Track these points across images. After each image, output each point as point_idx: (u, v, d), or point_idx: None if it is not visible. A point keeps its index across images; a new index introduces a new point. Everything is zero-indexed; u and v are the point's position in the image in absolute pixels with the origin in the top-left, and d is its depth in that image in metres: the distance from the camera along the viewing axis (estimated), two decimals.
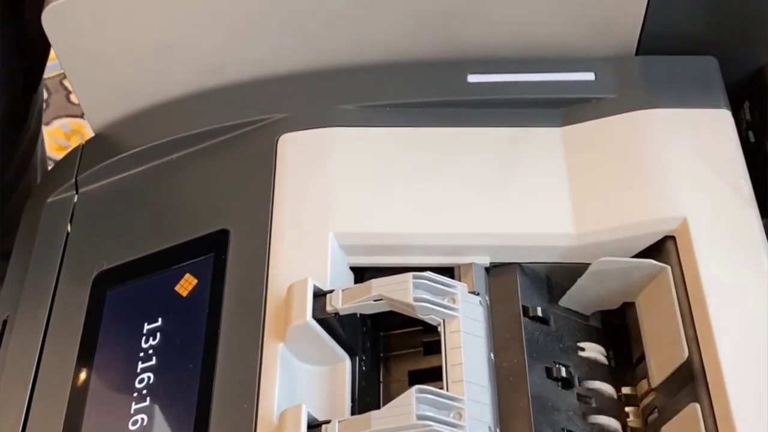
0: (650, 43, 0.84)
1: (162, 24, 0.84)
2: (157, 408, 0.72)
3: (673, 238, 0.74)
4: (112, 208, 0.86)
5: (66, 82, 2.05)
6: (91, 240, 0.84)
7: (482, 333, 0.70)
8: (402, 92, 0.83)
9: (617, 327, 0.77)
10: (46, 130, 2.02)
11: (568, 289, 0.76)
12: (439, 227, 0.76)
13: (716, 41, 0.84)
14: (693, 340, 0.69)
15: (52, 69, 2.16)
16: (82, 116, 2.07)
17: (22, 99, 1.00)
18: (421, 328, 0.76)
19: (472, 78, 0.83)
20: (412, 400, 0.63)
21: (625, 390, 0.74)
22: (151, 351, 0.75)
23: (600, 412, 0.72)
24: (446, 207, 0.77)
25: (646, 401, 0.72)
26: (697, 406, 0.66)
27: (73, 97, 2.02)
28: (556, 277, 0.77)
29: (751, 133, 0.85)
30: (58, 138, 2.06)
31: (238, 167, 0.83)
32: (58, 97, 2.10)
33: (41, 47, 0.96)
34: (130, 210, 0.85)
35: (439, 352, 0.69)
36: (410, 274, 0.69)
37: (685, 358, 0.69)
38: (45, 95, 2.08)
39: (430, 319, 0.69)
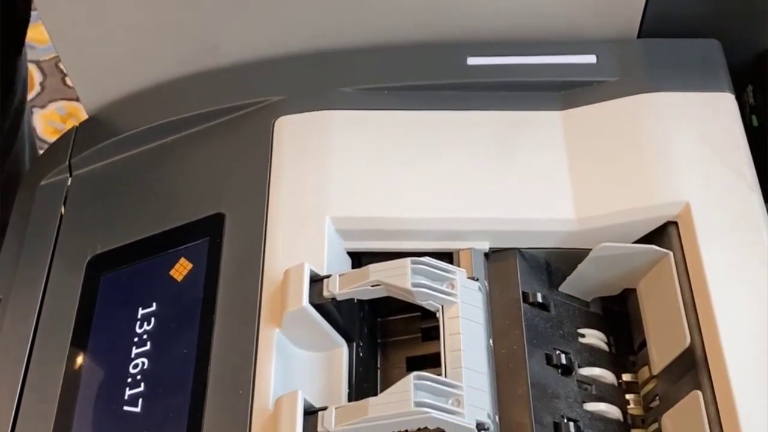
0: (652, 25, 0.83)
1: (155, 2, 0.82)
2: (151, 393, 0.71)
3: (675, 223, 0.73)
4: (107, 191, 0.85)
5: (62, 65, 2.03)
6: (85, 223, 0.83)
7: (481, 319, 0.69)
8: (400, 75, 0.82)
9: (618, 313, 0.77)
10: (41, 113, 2.01)
11: (568, 275, 0.75)
12: (437, 212, 0.75)
13: (719, 24, 0.83)
14: (695, 326, 0.68)
15: (47, 52, 2.14)
16: (77, 99, 2.05)
17: (6, 62, 0.98)
18: (419, 314, 0.76)
19: (472, 60, 0.82)
20: (410, 386, 0.62)
21: (626, 377, 0.73)
22: (145, 336, 0.74)
23: (600, 399, 0.71)
24: (445, 191, 0.75)
25: (647, 388, 0.72)
26: (699, 393, 0.65)
27: (69, 80, 2.01)
28: (556, 263, 0.76)
29: (754, 117, 0.84)
30: (53, 121, 2.04)
31: (233, 150, 0.81)
32: (53, 80, 2.08)
33: (23, 7, 0.94)
34: (124, 193, 0.84)
35: (438, 338, 0.68)
36: (408, 259, 0.68)
37: (687, 345, 0.68)
38: (40, 78, 2.07)
39: (429, 304, 0.68)
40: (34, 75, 2.07)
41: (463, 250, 0.73)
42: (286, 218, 0.75)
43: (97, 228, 0.82)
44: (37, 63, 2.04)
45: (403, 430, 0.63)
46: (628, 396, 0.72)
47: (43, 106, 2.02)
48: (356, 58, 0.84)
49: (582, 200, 0.74)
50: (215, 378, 0.70)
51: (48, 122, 2.02)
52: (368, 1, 0.83)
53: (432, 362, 0.73)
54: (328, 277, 0.70)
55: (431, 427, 0.63)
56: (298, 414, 0.64)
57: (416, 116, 0.80)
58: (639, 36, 0.83)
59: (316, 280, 0.70)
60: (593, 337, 0.74)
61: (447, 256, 0.73)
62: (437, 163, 0.77)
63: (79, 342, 0.76)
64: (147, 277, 0.77)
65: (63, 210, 0.84)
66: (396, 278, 0.67)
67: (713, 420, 0.64)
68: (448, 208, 0.75)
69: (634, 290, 0.75)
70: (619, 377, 0.73)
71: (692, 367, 0.67)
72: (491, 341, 0.70)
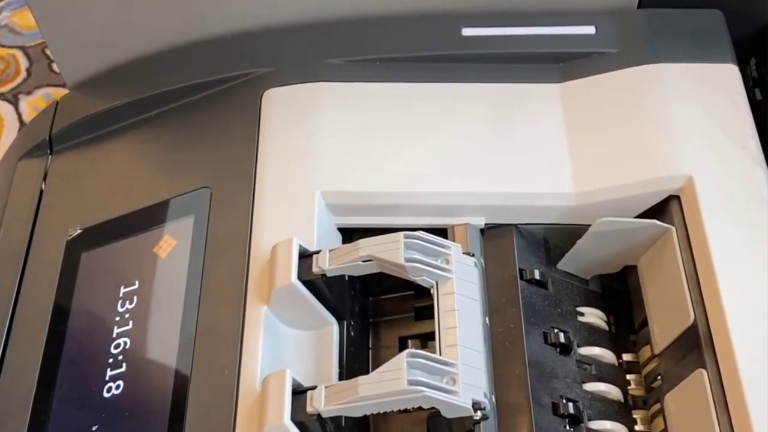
0: None
1: None
2: (133, 374, 0.68)
3: (677, 197, 0.70)
4: (88, 167, 0.82)
5: (48, 51, 2.00)
6: (65, 200, 0.80)
7: (477, 296, 0.66)
8: (393, 46, 0.80)
9: (618, 292, 0.74)
10: (27, 100, 1.97)
11: (566, 252, 0.72)
12: (431, 186, 0.72)
13: None
14: (699, 303, 0.66)
15: (34, 38, 2.11)
16: (64, 86, 2.03)
17: None
18: (412, 292, 0.73)
19: (467, 31, 0.79)
20: (403, 364, 0.60)
21: (627, 357, 0.71)
22: (127, 315, 0.71)
23: (600, 379, 0.68)
24: (439, 165, 0.73)
25: (648, 368, 0.69)
26: (704, 372, 0.63)
27: (56, 66, 1.97)
28: (555, 240, 0.73)
29: (758, 91, 0.81)
30: (40, 107, 2.01)
31: (220, 124, 0.78)
32: (40, 66, 2.04)
33: None
34: (106, 169, 0.81)
35: (431, 317, 0.66)
36: (401, 234, 0.65)
37: (690, 323, 0.65)
38: (27, 64, 2.04)
39: (422, 280, 0.65)
40: (21, 61, 2.04)
41: (458, 225, 0.71)
42: (274, 193, 0.72)
43: (78, 205, 0.79)
44: (24, 49, 2.01)
45: (395, 410, 0.60)
46: (628, 376, 0.70)
47: (29, 93, 1.99)
48: (347, 29, 0.81)
49: (581, 174, 0.72)
50: (200, 357, 0.67)
51: (34, 108, 1.98)
52: None
53: (425, 342, 0.71)
54: (317, 252, 0.67)
55: (425, 406, 0.60)
56: (287, 393, 0.61)
57: (409, 88, 0.77)
58: (639, 6, 0.80)
59: (305, 256, 0.67)
60: (593, 315, 0.71)
61: (441, 233, 0.70)
62: (431, 137, 0.74)
63: (58, 322, 0.73)
64: (129, 254, 0.75)
65: (43, 186, 0.81)
66: (388, 253, 0.65)
67: (718, 399, 0.61)
68: (443, 182, 0.72)
69: (634, 267, 0.72)
70: (619, 357, 0.71)
71: (696, 345, 0.65)
72: (487, 319, 0.67)
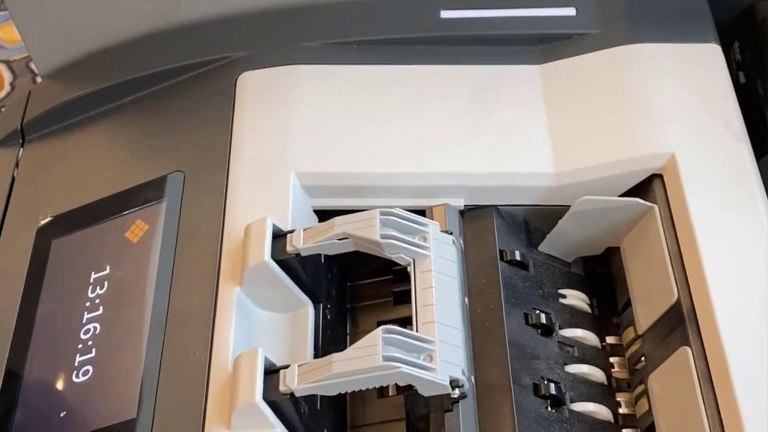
0: None
1: None
2: (103, 359, 0.67)
3: (660, 176, 0.69)
4: (61, 155, 0.80)
5: (32, 65, 1.99)
6: (37, 188, 0.78)
7: (455, 274, 0.64)
8: (371, 28, 0.78)
9: (600, 275, 0.72)
10: None
11: (548, 234, 0.70)
12: (408, 167, 0.70)
13: None
14: (683, 281, 0.64)
15: (18, 51, 2.10)
16: None
17: None
18: (390, 277, 0.71)
19: (446, 14, 0.78)
20: (378, 340, 0.58)
21: (610, 340, 0.69)
22: (98, 300, 0.69)
23: (582, 361, 0.67)
24: (417, 146, 0.71)
25: (632, 350, 0.67)
26: (688, 349, 0.61)
27: (40, 80, 1.96)
28: (536, 222, 0.72)
29: (741, 74, 0.80)
30: None
31: (194, 108, 0.77)
32: (24, 80, 2.03)
33: None
34: (79, 157, 0.79)
35: (410, 302, 0.64)
36: (377, 210, 0.64)
37: (674, 300, 0.64)
38: (11, 78, 2.02)
39: (399, 258, 0.63)
40: (4, 75, 2.02)
41: (437, 206, 0.69)
42: (249, 175, 0.71)
43: (50, 193, 0.78)
44: (8, 63, 2.00)
45: (371, 387, 0.58)
46: (612, 359, 0.68)
47: None
48: (323, 12, 0.80)
49: (561, 154, 0.70)
50: (171, 340, 0.65)
51: None
52: None
53: (404, 327, 0.68)
54: (291, 232, 0.65)
55: (401, 383, 0.58)
56: (258, 372, 0.59)
57: (387, 71, 0.76)
58: None
59: (279, 236, 0.65)
60: (575, 297, 0.70)
61: (420, 215, 0.69)
62: (409, 118, 0.73)
63: (27, 309, 0.71)
64: (100, 240, 0.73)
65: (15, 175, 0.79)
66: (364, 230, 0.63)
67: (703, 375, 0.60)
68: (421, 162, 0.70)
69: (617, 249, 0.71)
70: (602, 340, 0.69)
71: (680, 323, 0.63)
72: (467, 300, 0.65)
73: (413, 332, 0.60)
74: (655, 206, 0.67)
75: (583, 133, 0.71)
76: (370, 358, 0.57)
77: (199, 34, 0.81)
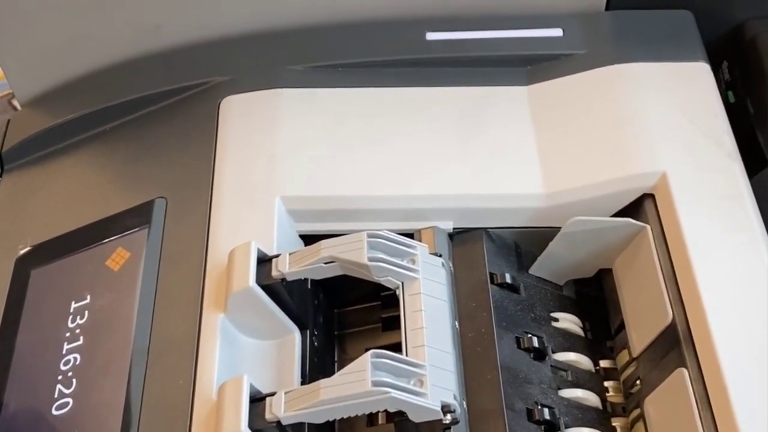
0: None
1: None
2: (84, 390, 0.65)
3: (651, 196, 0.67)
4: (41, 183, 0.78)
5: (15, 102, 1.98)
6: (16, 218, 0.77)
7: (445, 296, 0.63)
8: (356, 52, 0.77)
9: (593, 298, 0.71)
10: None
11: (538, 257, 0.69)
12: (395, 189, 0.69)
13: None
14: (677, 301, 0.63)
15: (0, 88, 2.09)
16: None
17: None
18: (378, 303, 0.70)
19: (432, 36, 0.77)
20: (366, 365, 0.56)
21: (604, 363, 0.68)
22: (78, 330, 0.68)
23: (576, 385, 0.65)
24: (404, 169, 0.70)
25: (626, 373, 0.66)
26: (685, 371, 0.60)
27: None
28: (526, 245, 0.70)
29: (731, 93, 0.79)
30: None
31: (177, 134, 0.76)
32: (3, 118, 2.02)
33: None
34: (59, 185, 0.78)
35: (399, 328, 0.62)
36: (364, 233, 0.62)
37: (669, 322, 0.62)
38: None
39: (388, 281, 0.62)
40: None
41: (425, 229, 0.68)
42: (232, 199, 0.69)
43: (30, 222, 0.76)
44: None
45: (360, 414, 0.57)
46: (606, 383, 0.67)
47: None
48: (307, 35, 0.79)
49: (551, 175, 0.69)
50: (153, 369, 0.63)
51: None
52: None
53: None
54: (277, 256, 0.64)
55: (391, 409, 0.56)
56: (244, 400, 0.57)
57: (373, 93, 0.75)
58: (607, 8, 0.79)
59: (264, 261, 0.64)
60: (567, 321, 0.68)
61: (408, 238, 0.67)
62: (395, 141, 0.72)
63: (6, 340, 0.69)
64: (80, 269, 0.71)
65: None
66: (351, 253, 0.61)
67: (701, 398, 0.58)
68: (408, 185, 0.69)
69: (609, 271, 0.69)
70: (596, 364, 0.67)
71: (675, 344, 0.61)
72: (457, 324, 0.64)
73: (403, 356, 0.58)
74: (648, 226, 0.66)
75: (573, 153, 0.70)
76: (359, 384, 0.56)
77: (180, 60, 0.80)
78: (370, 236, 0.62)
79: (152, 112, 0.78)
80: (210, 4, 0.79)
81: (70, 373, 0.66)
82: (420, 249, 0.64)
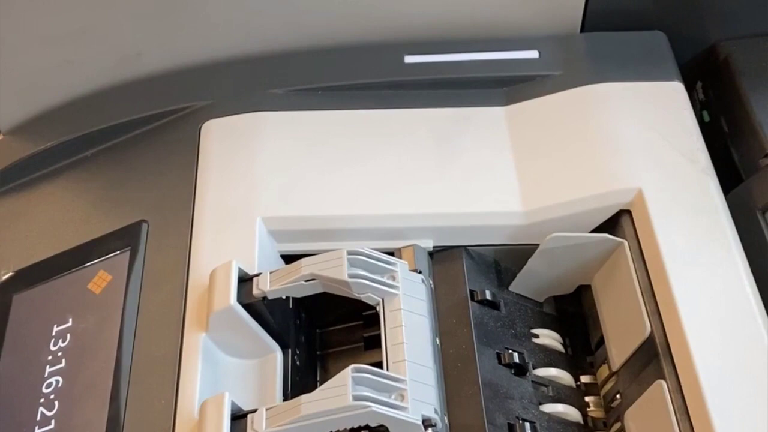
0: (595, 20, 0.80)
1: (73, 10, 0.77)
2: (66, 413, 0.64)
3: (628, 212, 0.68)
4: (23, 210, 0.79)
5: None
6: None
7: (425, 312, 0.63)
8: (335, 75, 0.78)
9: (573, 315, 0.72)
10: None
11: (518, 273, 0.70)
12: (375, 209, 0.70)
13: (664, 19, 0.80)
14: (655, 314, 0.63)
15: None
16: None
17: None
18: (360, 323, 0.70)
19: (410, 59, 0.78)
20: (347, 380, 0.56)
21: (585, 379, 0.68)
22: (60, 354, 0.68)
23: (557, 400, 0.65)
24: (383, 189, 0.71)
25: (607, 387, 0.66)
26: (663, 383, 0.60)
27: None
28: (506, 262, 0.71)
29: (705, 113, 0.80)
30: None
31: (158, 158, 0.76)
32: None
33: None
34: (41, 211, 0.78)
35: (380, 346, 0.62)
36: (344, 250, 0.62)
37: (647, 335, 0.63)
38: None
39: (368, 297, 0.62)
40: None
41: (405, 247, 0.68)
42: (214, 221, 0.70)
43: (12, 248, 0.76)
44: None
45: (342, 429, 0.57)
46: (587, 398, 0.67)
47: None
48: (287, 60, 0.80)
49: (529, 193, 0.70)
50: (135, 390, 0.63)
51: None
52: (300, 4, 0.79)
53: None
54: (258, 275, 0.64)
55: (372, 424, 0.57)
56: (225, 417, 0.57)
57: (352, 115, 0.75)
58: (582, 30, 0.80)
59: (245, 280, 0.64)
60: (548, 337, 0.69)
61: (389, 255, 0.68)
62: (375, 162, 0.72)
63: None
64: (62, 293, 0.71)
65: None
66: (331, 270, 0.62)
67: (679, 408, 0.59)
68: (388, 204, 0.70)
69: (588, 287, 0.70)
70: (577, 379, 0.68)
71: (654, 357, 0.62)
72: (438, 340, 0.64)
73: (383, 371, 0.58)
74: (625, 242, 0.67)
75: (550, 171, 0.71)
76: (340, 398, 0.56)
77: (161, 85, 0.80)
78: (350, 253, 0.62)
79: (134, 137, 0.78)
80: (190, 31, 0.80)
81: (52, 396, 0.66)
82: (400, 265, 0.64)
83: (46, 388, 0.66)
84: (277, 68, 0.79)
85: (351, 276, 0.62)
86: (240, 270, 0.64)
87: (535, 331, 0.69)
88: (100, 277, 0.71)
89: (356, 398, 0.56)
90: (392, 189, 0.71)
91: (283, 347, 0.66)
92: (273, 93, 0.77)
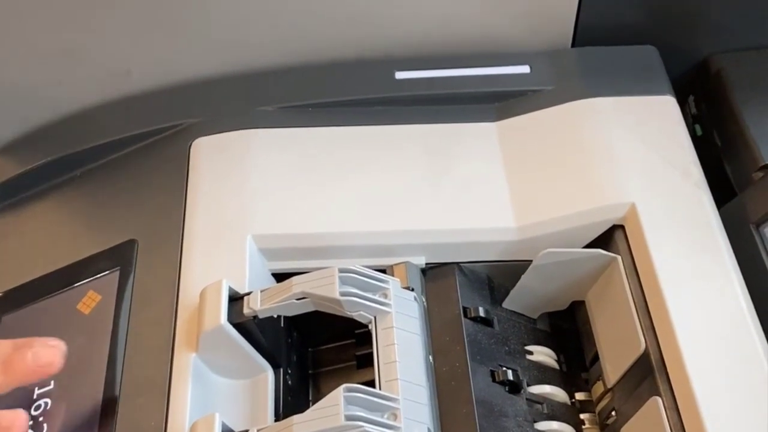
0: (586, 35, 0.80)
1: (61, 28, 0.77)
2: None
3: (621, 227, 0.68)
4: (11, 230, 0.78)
5: None
6: None
7: (418, 329, 0.63)
8: (326, 92, 0.78)
9: (567, 331, 0.71)
10: None
11: (511, 290, 0.69)
12: (367, 226, 0.69)
13: (655, 33, 0.80)
14: (650, 330, 0.63)
15: None
16: None
17: None
18: (353, 341, 0.69)
19: (400, 75, 0.78)
20: (339, 399, 0.56)
21: (579, 396, 0.67)
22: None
23: (552, 418, 0.65)
24: (375, 205, 0.70)
25: (602, 404, 0.66)
26: (659, 399, 0.60)
27: None
28: (499, 279, 0.70)
29: (698, 127, 0.80)
30: None
31: (147, 176, 0.75)
32: None
33: None
34: (30, 231, 0.77)
35: (373, 365, 0.62)
36: (335, 268, 0.62)
37: (642, 351, 0.62)
38: None
39: (360, 316, 0.62)
40: None
41: (397, 264, 0.68)
42: (204, 239, 0.69)
43: (1, 269, 0.75)
44: None
45: None
46: (582, 416, 0.66)
47: None
48: (277, 77, 0.79)
49: (522, 208, 0.69)
50: (125, 412, 0.62)
51: None
52: (290, 21, 0.79)
53: None
54: (248, 294, 0.63)
55: None
56: None
57: (343, 132, 0.75)
58: (573, 45, 0.80)
59: (235, 299, 0.63)
60: (542, 354, 0.68)
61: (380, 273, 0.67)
62: (367, 178, 0.72)
63: None
64: (51, 313, 0.70)
65: None
66: (323, 288, 0.61)
67: (675, 425, 0.58)
68: (379, 222, 0.69)
69: (582, 303, 0.70)
70: (572, 396, 0.67)
71: (649, 373, 0.61)
72: (431, 358, 0.64)
73: (376, 390, 0.58)
74: (618, 257, 0.67)
75: (543, 187, 0.70)
76: (332, 419, 0.55)
77: (151, 103, 0.80)
78: (341, 271, 0.62)
79: (123, 155, 0.78)
80: (179, 48, 0.79)
81: (41, 418, 0.65)
82: (392, 283, 0.63)
83: (35, 410, 0.66)
84: (267, 85, 0.79)
85: (342, 294, 0.61)
86: (230, 289, 0.64)
87: (529, 347, 0.68)
88: (90, 298, 0.70)
89: (348, 418, 0.55)
90: (384, 206, 0.70)
91: (275, 366, 0.65)
92: (263, 110, 0.77)
